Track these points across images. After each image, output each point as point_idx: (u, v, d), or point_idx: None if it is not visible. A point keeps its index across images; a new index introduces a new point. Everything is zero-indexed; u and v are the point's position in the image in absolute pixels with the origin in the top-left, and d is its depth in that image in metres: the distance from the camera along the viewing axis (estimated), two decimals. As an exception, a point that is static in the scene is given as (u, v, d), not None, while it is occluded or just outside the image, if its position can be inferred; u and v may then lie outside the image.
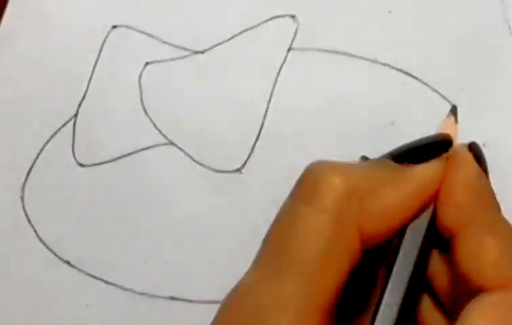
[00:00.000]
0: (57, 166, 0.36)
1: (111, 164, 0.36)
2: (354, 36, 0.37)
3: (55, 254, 0.35)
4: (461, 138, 0.36)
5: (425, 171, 0.26)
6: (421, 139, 0.29)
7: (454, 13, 0.37)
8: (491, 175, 0.35)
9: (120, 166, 0.36)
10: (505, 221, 0.27)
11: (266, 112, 0.37)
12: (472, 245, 0.25)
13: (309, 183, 0.26)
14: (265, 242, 0.26)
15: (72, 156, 0.36)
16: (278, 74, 0.37)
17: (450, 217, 0.26)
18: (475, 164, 0.28)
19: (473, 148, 0.29)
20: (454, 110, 0.31)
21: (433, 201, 0.27)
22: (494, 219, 0.27)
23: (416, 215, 0.26)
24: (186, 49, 0.37)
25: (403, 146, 0.28)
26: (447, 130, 0.29)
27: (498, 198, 0.35)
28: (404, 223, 0.26)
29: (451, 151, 0.28)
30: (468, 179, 0.27)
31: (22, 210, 0.36)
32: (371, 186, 0.26)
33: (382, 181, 0.26)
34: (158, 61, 0.37)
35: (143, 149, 0.36)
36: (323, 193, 0.25)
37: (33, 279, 0.35)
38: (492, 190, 0.29)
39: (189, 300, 0.34)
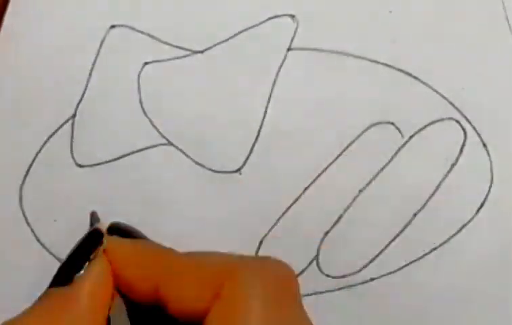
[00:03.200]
0: (55, 167, 0.36)
1: (110, 164, 0.36)
2: (354, 36, 0.37)
3: (53, 255, 0.35)
4: (461, 138, 0.36)
5: (88, 279, 0.26)
6: (74, 246, 0.29)
7: (454, 13, 0.37)
8: (491, 175, 0.35)
9: (118, 166, 0.36)
10: (179, 255, 0.27)
11: (265, 112, 0.36)
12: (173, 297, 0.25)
13: None
14: None
15: (70, 157, 0.36)
16: (278, 74, 0.37)
17: (141, 296, 0.26)
18: (125, 245, 0.28)
19: (114, 229, 0.29)
20: (94, 216, 0.33)
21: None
22: (173, 264, 0.27)
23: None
24: (185, 49, 0.37)
25: (60, 264, 0.28)
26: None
27: (498, 197, 0.35)
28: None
29: (105, 242, 0.28)
30: (128, 260, 0.27)
31: (20, 211, 0.36)
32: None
33: (53, 314, 0.26)
34: (157, 61, 0.37)
35: (142, 149, 0.36)
36: None
37: (31, 280, 0.35)
38: (152, 243, 0.29)
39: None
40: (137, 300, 0.27)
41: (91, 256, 0.27)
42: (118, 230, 0.29)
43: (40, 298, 0.27)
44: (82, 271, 0.27)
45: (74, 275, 0.27)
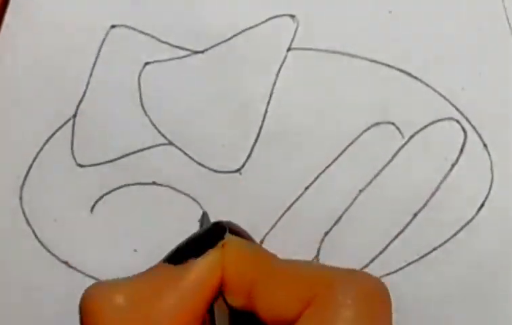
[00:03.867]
0: (56, 167, 0.36)
1: (110, 164, 0.36)
2: (354, 36, 0.37)
3: (53, 254, 0.35)
4: (461, 138, 0.36)
5: (200, 265, 0.27)
6: (195, 233, 0.29)
7: (455, 13, 0.37)
8: (491, 175, 0.35)
9: (119, 166, 0.36)
10: (280, 261, 0.28)
11: (266, 112, 0.36)
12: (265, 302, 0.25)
13: (93, 311, 0.26)
14: None
15: (71, 157, 0.36)
16: (278, 74, 0.37)
17: (239, 298, 0.27)
18: (243, 245, 0.28)
19: (231, 230, 0.29)
20: (205, 217, 0.33)
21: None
22: (270, 269, 0.27)
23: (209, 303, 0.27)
24: (186, 49, 0.37)
25: (177, 245, 0.29)
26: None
27: (498, 197, 0.35)
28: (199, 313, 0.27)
29: (227, 237, 0.28)
30: (244, 265, 0.28)
31: (20, 211, 0.36)
32: (151, 295, 0.26)
33: (160, 286, 0.26)
34: (158, 61, 0.37)
35: (143, 149, 0.36)
36: (109, 319, 0.25)
37: (31, 280, 0.35)
38: (264, 249, 0.29)
39: (189, 301, 0.34)
40: (230, 302, 0.27)
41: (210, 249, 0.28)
42: (234, 232, 0.29)
43: (150, 269, 0.28)
44: (193, 259, 0.27)
45: (189, 259, 0.27)
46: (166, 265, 0.28)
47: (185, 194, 0.35)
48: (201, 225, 0.33)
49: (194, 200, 0.36)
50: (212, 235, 0.28)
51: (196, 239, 0.29)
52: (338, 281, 0.25)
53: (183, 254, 0.28)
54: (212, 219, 0.35)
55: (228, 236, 0.28)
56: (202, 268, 0.27)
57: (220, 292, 0.28)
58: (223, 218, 0.35)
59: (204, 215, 0.34)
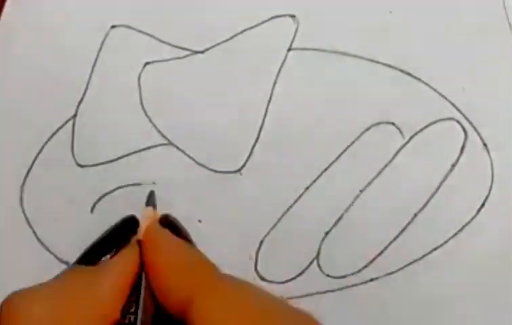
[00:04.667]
0: (56, 167, 0.36)
1: (110, 164, 0.36)
2: (354, 36, 0.37)
3: (53, 255, 0.35)
4: (461, 138, 0.36)
5: (114, 265, 0.27)
6: (106, 230, 0.29)
7: (455, 13, 0.37)
8: (491, 175, 0.35)
9: (119, 166, 0.36)
10: (222, 276, 0.27)
11: (266, 112, 0.36)
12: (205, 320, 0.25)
13: (10, 321, 0.26)
14: None
15: (71, 157, 0.36)
16: (278, 74, 0.37)
17: (172, 304, 0.26)
18: (172, 240, 0.28)
19: (165, 222, 0.29)
20: (151, 197, 0.32)
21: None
22: (210, 283, 0.27)
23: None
24: (186, 49, 0.37)
25: (90, 244, 0.28)
26: (148, 219, 0.29)
27: (499, 197, 0.35)
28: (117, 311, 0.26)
29: (139, 232, 0.28)
30: (170, 259, 0.27)
31: (20, 211, 0.36)
32: (66, 302, 0.26)
33: (74, 291, 0.26)
34: (158, 61, 0.37)
35: (143, 149, 0.36)
36: None
37: (32, 280, 0.35)
38: (197, 252, 0.29)
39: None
40: (163, 306, 0.27)
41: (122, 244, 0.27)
42: (168, 223, 0.29)
43: (63, 273, 0.27)
44: (108, 256, 0.27)
45: (101, 258, 0.27)
46: (80, 267, 0.27)
47: (186, 194, 0.35)
48: (146, 204, 0.32)
49: (191, 201, 0.36)
50: (124, 230, 0.28)
51: (108, 236, 0.28)
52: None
53: (96, 254, 0.27)
54: (212, 219, 0.35)
55: (147, 230, 0.28)
56: (117, 269, 0.26)
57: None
58: (224, 217, 0.35)
59: (151, 195, 0.33)
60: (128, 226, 0.29)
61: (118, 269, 0.27)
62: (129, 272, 0.27)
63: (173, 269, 0.27)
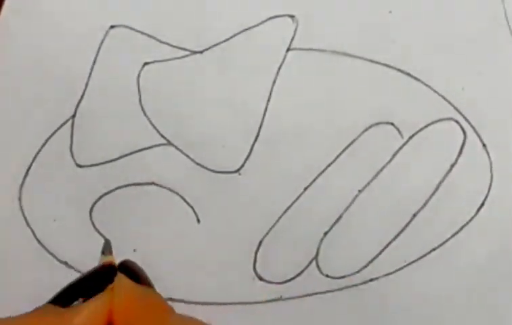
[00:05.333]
0: (55, 167, 0.36)
1: (109, 164, 0.36)
2: (354, 36, 0.37)
3: (53, 255, 0.35)
4: (461, 139, 0.36)
5: (86, 309, 0.26)
6: (85, 273, 0.28)
7: (455, 13, 0.37)
8: (491, 175, 0.35)
9: (118, 166, 0.36)
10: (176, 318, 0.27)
11: (265, 112, 0.36)
12: None
13: None
14: None
15: (70, 157, 0.36)
16: (277, 74, 0.37)
17: None
18: (133, 289, 0.28)
19: (124, 268, 0.28)
20: (107, 245, 0.31)
21: None
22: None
23: None
24: (185, 49, 0.37)
25: (66, 285, 0.28)
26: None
27: (499, 197, 0.35)
28: None
29: (116, 279, 0.27)
30: (132, 311, 0.27)
31: (19, 211, 0.36)
32: None
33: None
34: (157, 61, 0.37)
35: (142, 149, 0.36)
36: None
37: (31, 280, 0.35)
38: (158, 296, 0.28)
39: (189, 302, 0.34)
40: None
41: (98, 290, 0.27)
42: (128, 270, 0.29)
43: (36, 310, 0.27)
44: (80, 299, 0.27)
45: (75, 301, 0.27)
46: (53, 306, 0.27)
47: (185, 194, 0.35)
48: (102, 253, 0.32)
49: (190, 201, 0.36)
50: (101, 276, 0.28)
51: (85, 279, 0.28)
52: None
53: (71, 296, 0.27)
54: (211, 219, 0.35)
55: (118, 278, 0.28)
56: (88, 313, 0.26)
57: None
58: (224, 217, 0.35)
59: (107, 244, 0.33)
60: (105, 273, 0.28)
61: (89, 312, 0.27)
62: (99, 317, 0.27)
63: (132, 316, 0.27)
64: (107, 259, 0.29)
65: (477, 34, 0.37)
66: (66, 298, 0.27)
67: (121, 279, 0.28)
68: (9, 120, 0.37)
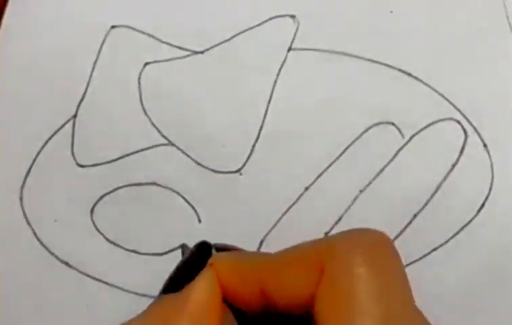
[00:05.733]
0: (56, 167, 0.36)
1: (110, 164, 0.36)
2: (354, 36, 0.37)
3: (53, 255, 0.35)
4: (461, 139, 0.36)
5: (199, 286, 0.26)
6: (182, 259, 0.29)
7: (455, 13, 0.37)
8: (491, 175, 0.35)
9: (119, 166, 0.36)
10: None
11: (266, 112, 0.36)
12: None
13: None
14: None
15: (71, 157, 0.36)
16: (278, 74, 0.37)
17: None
18: (230, 258, 0.27)
19: (217, 248, 0.28)
20: (185, 248, 0.32)
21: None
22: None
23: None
24: (186, 49, 0.37)
25: (170, 275, 0.28)
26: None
27: (499, 198, 0.35)
28: None
29: (212, 256, 0.28)
30: (236, 276, 0.27)
31: (20, 211, 0.36)
32: None
33: (169, 317, 0.26)
34: (158, 61, 0.37)
35: (143, 149, 0.36)
36: None
37: (32, 280, 0.35)
38: (258, 252, 0.30)
39: (189, 301, 0.34)
40: (248, 310, 0.27)
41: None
42: (222, 250, 0.29)
43: (153, 304, 0.27)
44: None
45: (184, 285, 0.27)
46: (167, 295, 0.27)
47: (186, 194, 0.35)
48: (183, 255, 0.33)
49: (191, 201, 0.36)
50: (200, 255, 0.28)
51: (186, 263, 0.29)
52: (340, 245, 0.24)
53: (178, 282, 0.27)
54: (212, 219, 0.35)
55: (214, 253, 0.28)
56: (200, 288, 0.26)
57: (230, 307, 0.28)
58: (224, 217, 0.35)
59: (184, 246, 0.33)
60: (203, 251, 0.29)
61: (202, 287, 0.26)
62: (213, 289, 0.27)
63: (239, 275, 0.27)
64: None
65: (477, 34, 0.37)
66: (174, 285, 0.27)
67: (217, 254, 0.28)
68: (10, 120, 0.37)
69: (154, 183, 0.36)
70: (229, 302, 0.27)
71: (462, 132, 0.36)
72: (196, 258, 0.28)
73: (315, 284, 0.24)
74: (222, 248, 0.29)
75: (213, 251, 0.28)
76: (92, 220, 0.35)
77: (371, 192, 0.35)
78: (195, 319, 0.26)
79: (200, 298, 0.26)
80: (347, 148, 0.36)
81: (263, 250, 0.35)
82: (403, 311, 0.24)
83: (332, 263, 0.24)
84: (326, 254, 0.24)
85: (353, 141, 0.36)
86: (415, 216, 0.35)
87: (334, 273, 0.24)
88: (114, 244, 0.35)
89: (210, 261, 0.27)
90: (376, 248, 0.24)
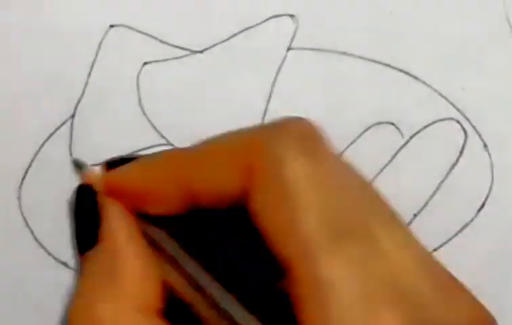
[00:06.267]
0: (54, 167, 0.36)
1: (109, 164, 0.36)
2: (354, 36, 0.37)
3: (53, 255, 0.35)
4: (461, 139, 0.36)
5: (113, 231, 0.26)
6: (73, 215, 0.29)
7: (455, 13, 0.37)
8: (492, 176, 0.35)
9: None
10: None
11: (265, 112, 0.36)
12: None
13: None
14: None
15: (69, 157, 0.36)
16: (278, 74, 0.37)
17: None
18: (136, 170, 0.28)
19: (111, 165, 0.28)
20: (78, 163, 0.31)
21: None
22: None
23: None
24: (185, 49, 0.37)
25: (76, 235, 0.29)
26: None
27: (499, 198, 0.35)
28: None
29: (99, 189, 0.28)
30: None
31: (18, 212, 0.35)
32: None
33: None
34: (157, 61, 0.37)
35: (142, 150, 0.36)
36: None
37: (30, 280, 0.35)
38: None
39: (189, 302, 0.34)
40: (169, 213, 0.25)
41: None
42: (116, 164, 0.28)
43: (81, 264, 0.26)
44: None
45: (95, 236, 0.26)
46: (89, 253, 0.27)
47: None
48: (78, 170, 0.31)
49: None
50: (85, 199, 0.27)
51: (79, 218, 0.28)
52: (268, 137, 0.23)
53: (87, 238, 0.27)
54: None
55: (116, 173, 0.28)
56: (120, 232, 0.26)
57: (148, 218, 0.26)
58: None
59: (76, 162, 0.32)
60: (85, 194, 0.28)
61: (122, 232, 0.26)
62: (128, 223, 0.26)
63: (152, 179, 0.26)
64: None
65: (477, 33, 0.37)
66: (86, 242, 0.26)
67: (121, 172, 0.28)
68: (8, 120, 0.37)
69: (153, 184, 0.36)
70: (147, 214, 0.26)
71: (462, 132, 0.36)
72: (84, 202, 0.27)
73: (244, 178, 0.23)
74: (117, 162, 0.28)
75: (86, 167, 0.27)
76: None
77: (371, 192, 0.35)
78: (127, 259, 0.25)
79: (124, 239, 0.25)
80: (346, 148, 0.36)
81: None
82: (348, 193, 0.23)
83: (263, 157, 0.23)
84: (254, 147, 0.23)
85: (353, 141, 0.36)
86: (415, 216, 0.35)
87: (267, 167, 0.23)
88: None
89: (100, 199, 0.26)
90: (306, 136, 0.24)
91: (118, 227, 0.25)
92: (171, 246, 0.26)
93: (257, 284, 0.24)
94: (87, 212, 0.26)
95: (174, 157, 0.26)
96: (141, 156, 0.27)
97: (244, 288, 0.24)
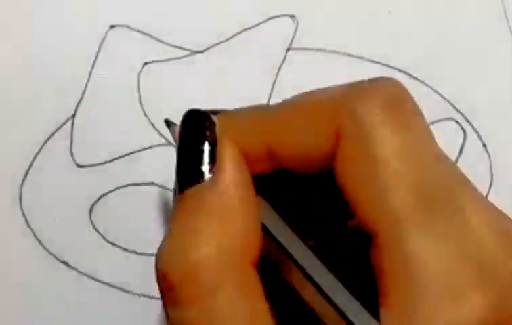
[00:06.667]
0: (55, 167, 0.36)
1: (109, 164, 0.36)
2: (354, 36, 0.37)
3: (53, 255, 0.35)
4: (461, 138, 0.36)
5: (226, 165, 0.24)
6: (182, 138, 0.26)
7: (454, 13, 0.37)
8: (491, 175, 0.35)
9: (118, 166, 0.36)
10: None
11: (265, 112, 0.36)
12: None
13: None
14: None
15: (70, 157, 0.36)
16: (278, 74, 0.37)
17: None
18: (237, 115, 0.26)
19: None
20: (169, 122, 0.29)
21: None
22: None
23: None
24: (185, 49, 0.37)
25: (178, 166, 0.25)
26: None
27: (498, 198, 0.35)
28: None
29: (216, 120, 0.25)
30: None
31: (19, 211, 0.36)
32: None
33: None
34: (157, 61, 0.37)
35: (142, 149, 0.36)
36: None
37: (31, 280, 0.35)
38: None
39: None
40: (258, 172, 0.24)
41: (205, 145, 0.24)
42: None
43: (176, 208, 0.24)
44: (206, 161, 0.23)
45: (202, 169, 0.24)
46: (189, 191, 0.23)
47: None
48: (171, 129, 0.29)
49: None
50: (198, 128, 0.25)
51: (184, 143, 0.25)
52: (358, 99, 0.22)
53: (193, 169, 0.24)
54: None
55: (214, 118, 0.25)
56: (230, 170, 0.23)
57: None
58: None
59: (168, 121, 0.29)
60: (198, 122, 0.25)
61: (232, 167, 0.23)
62: (242, 166, 0.24)
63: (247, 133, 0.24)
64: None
65: (477, 33, 0.37)
66: (192, 175, 0.24)
67: (220, 116, 0.25)
68: (9, 120, 0.37)
69: (153, 183, 0.36)
70: None
71: (461, 132, 0.36)
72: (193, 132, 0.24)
73: (331, 143, 0.22)
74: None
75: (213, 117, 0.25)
76: (91, 220, 0.35)
77: (371, 192, 0.35)
78: (230, 208, 0.22)
79: (233, 183, 0.23)
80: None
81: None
82: (435, 163, 0.23)
83: (351, 121, 0.22)
84: (341, 111, 0.22)
85: (353, 141, 0.36)
86: (415, 216, 0.35)
87: (355, 132, 0.22)
88: (113, 244, 0.35)
89: (216, 128, 0.24)
90: (396, 100, 0.23)
91: (235, 168, 0.24)
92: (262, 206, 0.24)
93: (341, 248, 0.24)
94: (199, 142, 0.24)
95: (260, 117, 0.25)
96: (224, 111, 0.26)
97: (328, 251, 0.23)
